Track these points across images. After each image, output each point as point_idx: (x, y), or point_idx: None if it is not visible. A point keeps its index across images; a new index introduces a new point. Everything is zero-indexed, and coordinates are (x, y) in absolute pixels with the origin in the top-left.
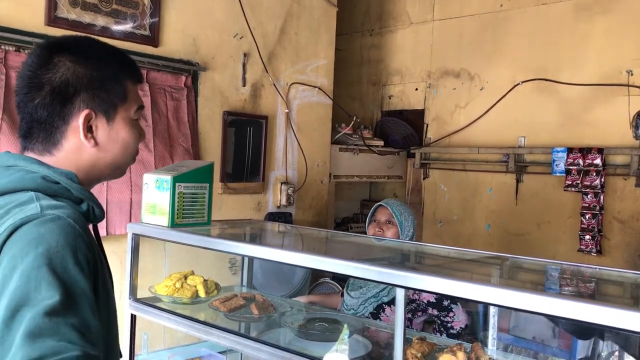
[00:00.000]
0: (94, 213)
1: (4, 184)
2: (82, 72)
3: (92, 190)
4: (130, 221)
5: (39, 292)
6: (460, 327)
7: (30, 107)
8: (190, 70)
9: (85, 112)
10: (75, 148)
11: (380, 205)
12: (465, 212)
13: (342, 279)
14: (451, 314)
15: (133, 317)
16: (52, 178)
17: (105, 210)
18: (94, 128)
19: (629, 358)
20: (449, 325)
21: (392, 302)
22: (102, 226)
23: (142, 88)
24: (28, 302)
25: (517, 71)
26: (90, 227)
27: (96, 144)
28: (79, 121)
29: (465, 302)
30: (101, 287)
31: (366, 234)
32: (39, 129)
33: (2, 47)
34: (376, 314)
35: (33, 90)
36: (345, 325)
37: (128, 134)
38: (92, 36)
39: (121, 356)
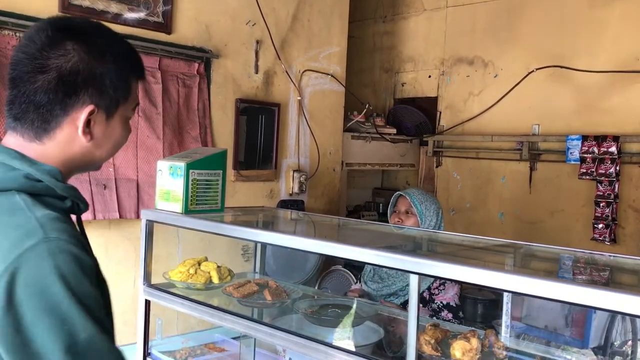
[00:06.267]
0: (78, 207)
1: None
2: (95, 67)
3: (100, 177)
4: (138, 205)
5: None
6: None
7: (30, 89)
8: (202, 57)
9: (89, 107)
10: (67, 139)
11: (400, 194)
12: (478, 201)
13: (354, 267)
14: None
15: (147, 303)
16: (35, 176)
17: (117, 195)
18: (92, 123)
19: None
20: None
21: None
22: (114, 210)
23: (154, 75)
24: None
25: (532, 58)
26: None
27: (91, 138)
28: (79, 115)
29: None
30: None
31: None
32: (34, 114)
33: (16, 34)
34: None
35: (36, 72)
36: (358, 312)
37: (121, 131)
38: (103, 23)
39: None
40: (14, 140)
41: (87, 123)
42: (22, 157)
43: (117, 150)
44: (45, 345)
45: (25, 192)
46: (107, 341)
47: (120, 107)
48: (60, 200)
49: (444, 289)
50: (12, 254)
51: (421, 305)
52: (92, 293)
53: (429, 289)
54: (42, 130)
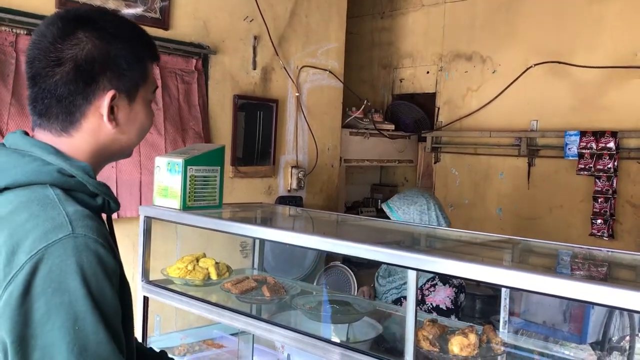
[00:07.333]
0: (109, 206)
1: (19, 175)
2: (109, 51)
3: (102, 171)
4: (140, 203)
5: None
6: None
7: (50, 84)
8: (200, 54)
9: (111, 92)
10: (94, 128)
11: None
12: (477, 196)
13: (353, 263)
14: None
15: (145, 299)
16: (68, 172)
17: (117, 195)
18: (115, 109)
19: None
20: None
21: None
22: None
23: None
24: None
25: (530, 54)
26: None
27: (117, 125)
28: (102, 101)
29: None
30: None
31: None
32: (58, 108)
33: (14, 30)
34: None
35: (53, 65)
36: (357, 308)
37: (145, 115)
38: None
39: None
40: (44, 137)
41: (111, 110)
42: (57, 152)
43: (143, 134)
44: (53, 341)
45: (57, 187)
46: (115, 351)
47: (141, 89)
48: (91, 197)
49: (434, 290)
50: (39, 245)
51: None
52: (110, 298)
53: (420, 289)
54: (69, 123)
